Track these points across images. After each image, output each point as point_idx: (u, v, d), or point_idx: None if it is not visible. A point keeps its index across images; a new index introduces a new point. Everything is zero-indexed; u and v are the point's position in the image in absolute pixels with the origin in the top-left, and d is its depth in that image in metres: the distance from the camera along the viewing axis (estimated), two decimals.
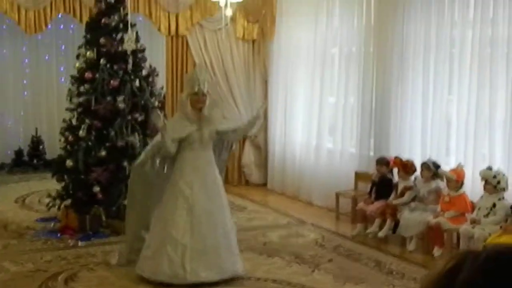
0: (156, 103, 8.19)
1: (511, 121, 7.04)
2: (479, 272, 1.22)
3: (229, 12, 9.40)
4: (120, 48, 7.87)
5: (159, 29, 10.27)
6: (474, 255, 1.25)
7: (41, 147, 12.24)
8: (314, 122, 9.88)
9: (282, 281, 6.14)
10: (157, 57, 10.38)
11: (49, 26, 10.02)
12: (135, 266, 6.10)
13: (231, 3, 9.39)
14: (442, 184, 7.31)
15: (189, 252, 5.78)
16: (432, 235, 7.06)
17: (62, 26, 12.31)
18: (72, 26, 12.16)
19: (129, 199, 6.49)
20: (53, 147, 11.72)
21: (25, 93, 12.45)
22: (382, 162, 7.92)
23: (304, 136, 10.13)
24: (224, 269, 5.93)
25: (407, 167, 7.64)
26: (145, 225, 6.23)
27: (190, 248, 5.78)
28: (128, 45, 7.75)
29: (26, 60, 12.36)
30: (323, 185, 9.44)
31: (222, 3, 9.40)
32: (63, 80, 12.07)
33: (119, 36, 7.91)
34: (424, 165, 7.35)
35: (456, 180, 7.01)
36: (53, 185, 8.29)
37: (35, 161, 12.10)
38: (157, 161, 6.06)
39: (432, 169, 7.28)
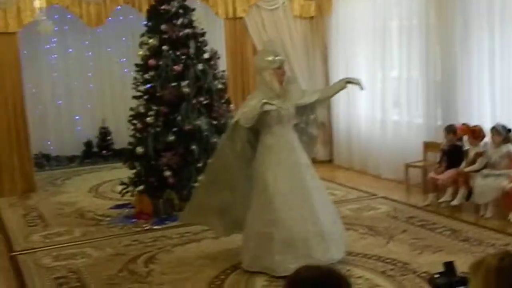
0: (220, 86, 8.26)
1: None
2: None
3: None
4: (181, 34, 7.95)
5: (216, 13, 10.33)
6: None
7: (109, 138, 12.51)
8: (377, 96, 9.79)
9: (357, 254, 6.14)
10: (215, 40, 10.43)
11: (109, 18, 10.21)
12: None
13: None
14: None
15: (276, 244, 5.56)
16: (508, 200, 6.93)
17: (122, 18, 12.49)
18: (131, 17, 12.33)
19: (204, 177, 6.41)
20: (121, 137, 11.99)
21: (91, 85, 12.72)
22: (451, 129, 7.81)
23: (368, 110, 10.06)
24: (315, 259, 5.44)
25: (475, 133, 7.51)
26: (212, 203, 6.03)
27: (276, 240, 5.55)
28: (198, 23, 7.87)
29: (90, 53, 12.61)
30: (391, 158, 9.37)
31: None
32: (126, 71, 12.27)
33: (179, 21, 8.00)
34: (494, 129, 7.22)
35: None
36: (122, 174, 8.51)
37: (104, 152, 12.38)
38: (238, 145, 5.79)
39: (502, 133, 7.15)
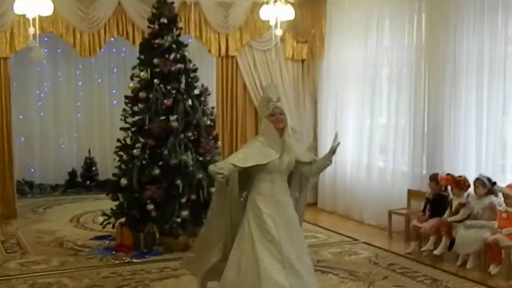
0: (208, 122, 8.27)
1: None
2: None
3: (279, 31, 9.52)
4: (173, 68, 7.99)
5: (209, 51, 10.41)
6: None
7: (93, 168, 12.45)
8: (364, 141, 9.85)
9: None
10: (206, 77, 10.49)
11: (102, 50, 10.25)
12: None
13: (281, 23, 9.51)
14: (496, 200, 7.21)
15: None
16: (489, 253, 6.93)
17: (114, 50, 12.58)
18: (124, 49, 12.41)
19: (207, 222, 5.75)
20: (106, 168, 11.97)
21: (79, 115, 12.71)
22: (432, 178, 7.85)
23: (354, 155, 10.09)
24: None
25: (459, 184, 7.54)
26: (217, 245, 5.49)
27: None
28: (193, 56, 7.90)
29: (80, 83, 12.63)
30: (375, 204, 9.37)
31: (272, 23, 9.53)
32: (115, 103, 12.29)
33: (172, 56, 8.05)
34: (479, 181, 7.24)
35: None
36: (105, 205, 8.44)
37: (88, 182, 12.31)
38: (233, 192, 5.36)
39: (487, 185, 7.17)
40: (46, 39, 10.67)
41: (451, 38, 8.22)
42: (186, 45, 8.35)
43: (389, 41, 9.45)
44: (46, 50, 9.82)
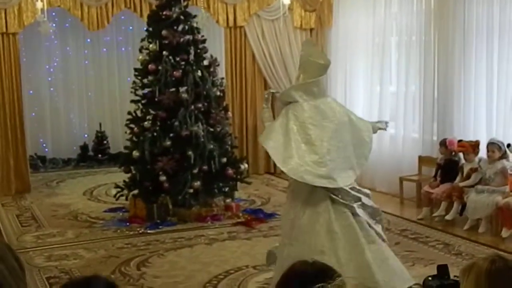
0: (218, 93, 8.29)
1: None
2: None
3: (287, 0, 9.48)
4: (181, 40, 7.99)
5: (217, 21, 10.38)
6: None
7: (105, 142, 12.50)
8: (374, 109, 9.84)
9: None
10: (215, 48, 10.48)
11: (111, 23, 10.24)
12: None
13: None
14: (508, 164, 7.21)
15: None
16: (501, 216, 6.96)
17: (123, 27, 12.56)
18: (132, 22, 12.38)
19: None
20: (117, 142, 12.02)
21: (89, 91, 12.72)
22: (442, 143, 7.87)
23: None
24: None
25: (475, 148, 7.52)
26: None
27: None
28: (202, 24, 7.90)
29: (89, 57, 12.63)
30: (386, 171, 9.39)
31: None
32: (124, 76, 12.30)
33: (180, 27, 8.04)
34: (494, 145, 7.22)
35: None
36: (117, 178, 8.53)
37: (99, 156, 12.37)
38: None
39: (502, 149, 7.15)
40: (54, 13, 10.66)
41: (460, 3, 8.17)
42: (195, 16, 8.33)
43: (397, 7, 9.39)
44: (54, 25, 9.81)
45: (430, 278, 3.19)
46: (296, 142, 4.93)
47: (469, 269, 2.10)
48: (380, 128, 5.55)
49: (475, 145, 7.54)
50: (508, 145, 7.15)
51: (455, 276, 3.31)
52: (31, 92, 11.96)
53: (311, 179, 4.85)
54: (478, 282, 2.04)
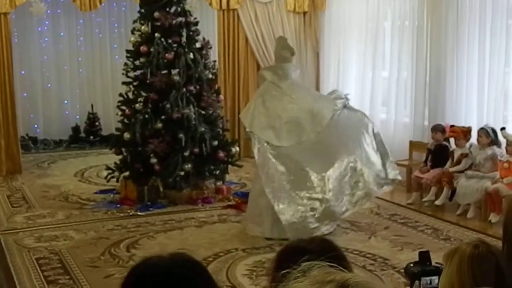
0: (210, 76, 8.27)
1: None
2: None
3: None
4: (174, 22, 7.96)
5: (210, 3, 10.33)
6: None
7: (97, 123, 12.48)
8: (367, 94, 9.84)
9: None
10: (208, 30, 10.44)
11: (103, 4, 10.18)
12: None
13: None
14: (498, 150, 7.24)
15: None
16: (490, 202, 7.00)
17: (115, 4, 12.49)
18: (124, 3, 12.33)
19: None
20: (109, 123, 12.01)
21: (81, 70, 12.68)
22: (438, 129, 7.87)
23: (356, 107, 10.06)
24: None
25: (466, 134, 7.55)
26: None
27: None
28: (191, 7, 7.87)
29: (81, 39, 12.57)
30: None
31: None
32: (117, 57, 12.26)
33: (173, 9, 8.00)
34: (482, 130, 7.25)
35: None
36: (109, 159, 8.52)
37: (91, 137, 12.36)
38: None
39: (491, 135, 7.18)
40: None
41: None
42: None
43: None
44: (46, 5, 9.74)
45: (411, 265, 3.21)
46: (257, 108, 6.76)
47: (452, 253, 2.12)
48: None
49: (467, 131, 7.57)
50: (502, 128, 7.15)
51: (436, 262, 3.33)
52: (22, 72, 11.91)
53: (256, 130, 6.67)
54: (461, 267, 2.06)
